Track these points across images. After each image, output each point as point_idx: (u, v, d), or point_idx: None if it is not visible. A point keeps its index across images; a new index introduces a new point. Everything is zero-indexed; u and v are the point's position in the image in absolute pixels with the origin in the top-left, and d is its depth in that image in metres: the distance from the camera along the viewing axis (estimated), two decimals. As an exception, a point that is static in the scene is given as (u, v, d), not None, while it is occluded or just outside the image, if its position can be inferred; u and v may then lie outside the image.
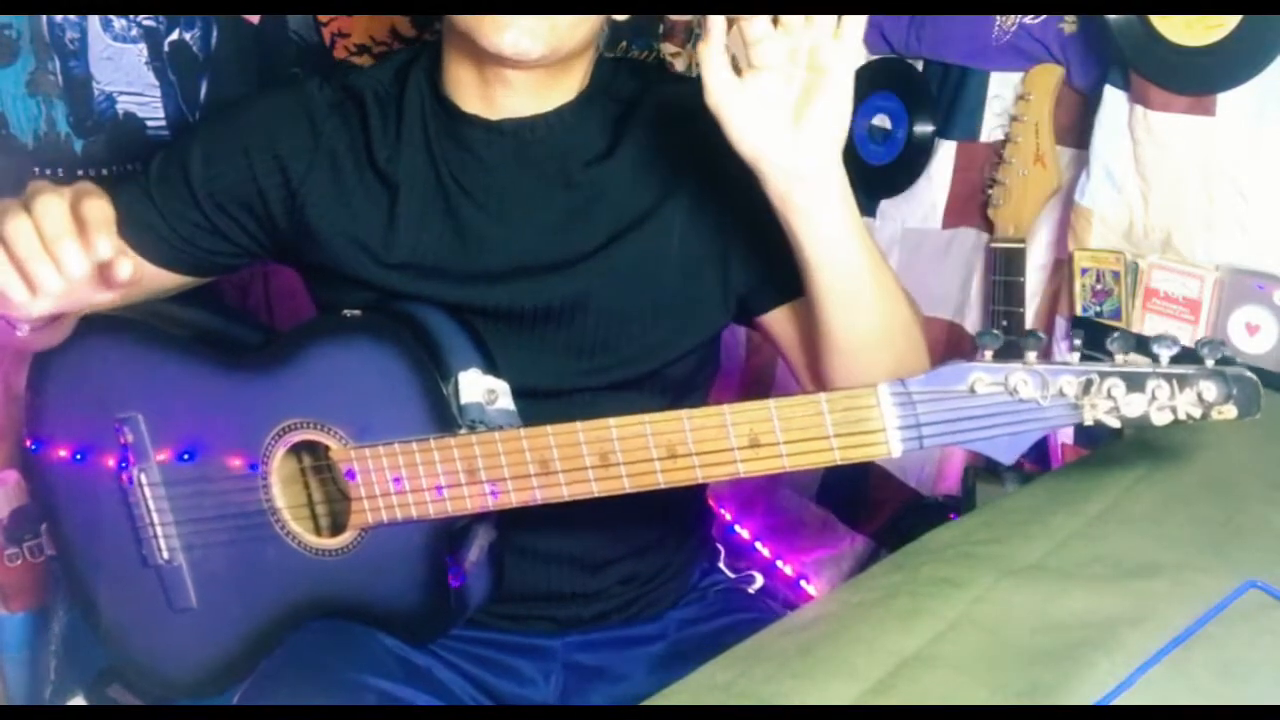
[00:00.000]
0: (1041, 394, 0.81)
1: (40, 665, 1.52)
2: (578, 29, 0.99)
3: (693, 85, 1.05)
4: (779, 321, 1.11)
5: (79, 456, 1.14)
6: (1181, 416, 0.80)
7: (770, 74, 0.86)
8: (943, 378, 0.82)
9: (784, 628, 0.87)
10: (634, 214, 1.06)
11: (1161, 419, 0.80)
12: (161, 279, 1.12)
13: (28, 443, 1.18)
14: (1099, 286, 1.42)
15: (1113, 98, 1.39)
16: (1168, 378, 0.80)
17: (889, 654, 0.78)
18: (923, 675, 0.76)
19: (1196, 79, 1.28)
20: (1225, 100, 1.27)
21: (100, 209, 0.86)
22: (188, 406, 1.09)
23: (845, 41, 0.85)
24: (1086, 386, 0.80)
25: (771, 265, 1.05)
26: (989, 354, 0.82)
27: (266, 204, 1.08)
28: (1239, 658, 0.76)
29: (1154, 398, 0.80)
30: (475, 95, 1.05)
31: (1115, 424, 0.81)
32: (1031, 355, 0.82)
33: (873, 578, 0.91)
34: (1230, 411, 0.80)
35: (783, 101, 0.87)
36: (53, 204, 0.84)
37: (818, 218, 0.91)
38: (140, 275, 1.01)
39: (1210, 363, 0.80)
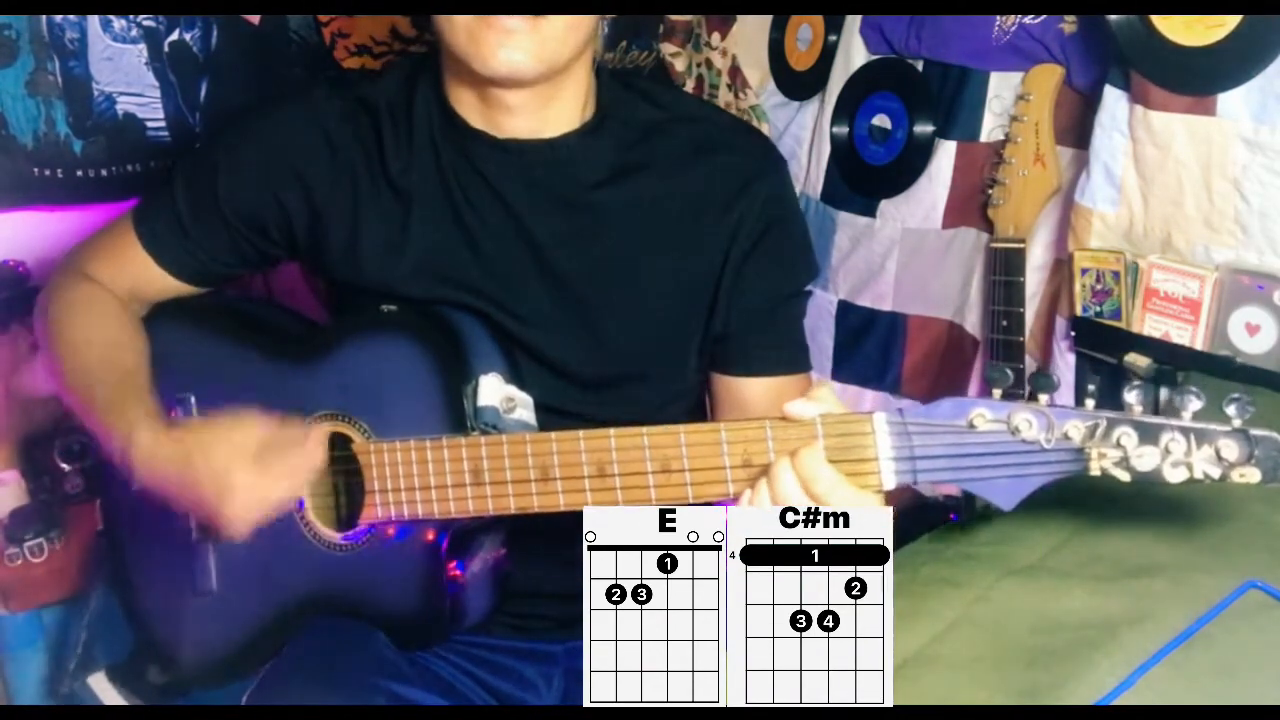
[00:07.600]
0: (1045, 436, 0.76)
1: (44, 663, 1.52)
2: (569, 38, 0.98)
3: (716, 123, 1.09)
4: (731, 387, 1.12)
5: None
6: (1198, 475, 0.74)
7: None
8: (942, 411, 0.79)
9: (784, 628, 0.87)
10: (633, 244, 1.06)
11: (1175, 476, 0.74)
12: (171, 288, 1.16)
13: None
14: (1099, 286, 1.42)
15: (1113, 98, 1.39)
16: (1184, 431, 0.74)
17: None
18: (923, 675, 0.76)
19: (1196, 79, 1.28)
20: (1225, 100, 1.27)
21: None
22: (234, 392, 1.10)
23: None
24: (1093, 432, 0.75)
25: (748, 339, 1.10)
26: (998, 392, 0.78)
27: (290, 224, 1.10)
28: (1239, 658, 0.76)
29: (1168, 452, 0.74)
30: (478, 114, 1.05)
31: (1124, 476, 0.75)
32: (1044, 398, 0.77)
33: (873, 578, 0.91)
34: (1253, 474, 0.74)
35: None
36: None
37: None
38: (161, 290, 1.15)
39: (1237, 421, 0.73)
